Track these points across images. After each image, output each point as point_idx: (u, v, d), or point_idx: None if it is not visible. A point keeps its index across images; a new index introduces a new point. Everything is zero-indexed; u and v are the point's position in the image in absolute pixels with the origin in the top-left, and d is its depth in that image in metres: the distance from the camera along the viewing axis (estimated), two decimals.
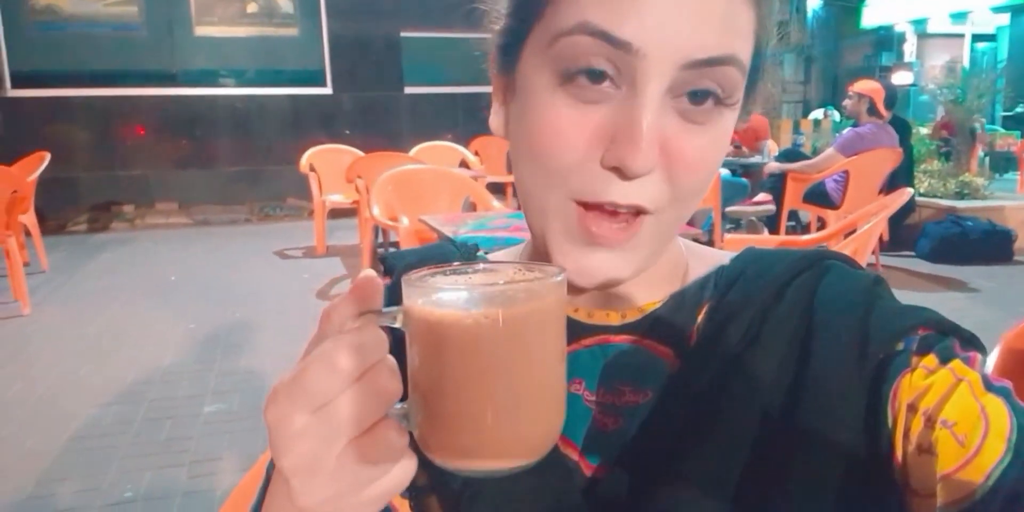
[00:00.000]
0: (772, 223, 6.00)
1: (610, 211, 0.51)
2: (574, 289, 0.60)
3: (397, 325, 0.41)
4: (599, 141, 0.49)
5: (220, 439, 2.91)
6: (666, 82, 0.48)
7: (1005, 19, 11.55)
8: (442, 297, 0.40)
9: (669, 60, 0.47)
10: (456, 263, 0.44)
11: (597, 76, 0.49)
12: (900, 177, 5.53)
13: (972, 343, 0.52)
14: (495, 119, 0.60)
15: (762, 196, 5.93)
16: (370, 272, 0.41)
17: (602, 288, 0.54)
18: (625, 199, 0.50)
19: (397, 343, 0.40)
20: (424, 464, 0.43)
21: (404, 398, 0.41)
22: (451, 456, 0.41)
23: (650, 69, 0.48)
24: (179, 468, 2.68)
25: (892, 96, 5.55)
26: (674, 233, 0.57)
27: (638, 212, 0.51)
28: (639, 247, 0.53)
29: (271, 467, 0.48)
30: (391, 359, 0.40)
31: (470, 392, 0.40)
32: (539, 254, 0.60)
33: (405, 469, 0.41)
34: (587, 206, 0.51)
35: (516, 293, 0.40)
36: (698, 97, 0.50)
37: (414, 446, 0.42)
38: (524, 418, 0.41)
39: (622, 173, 0.49)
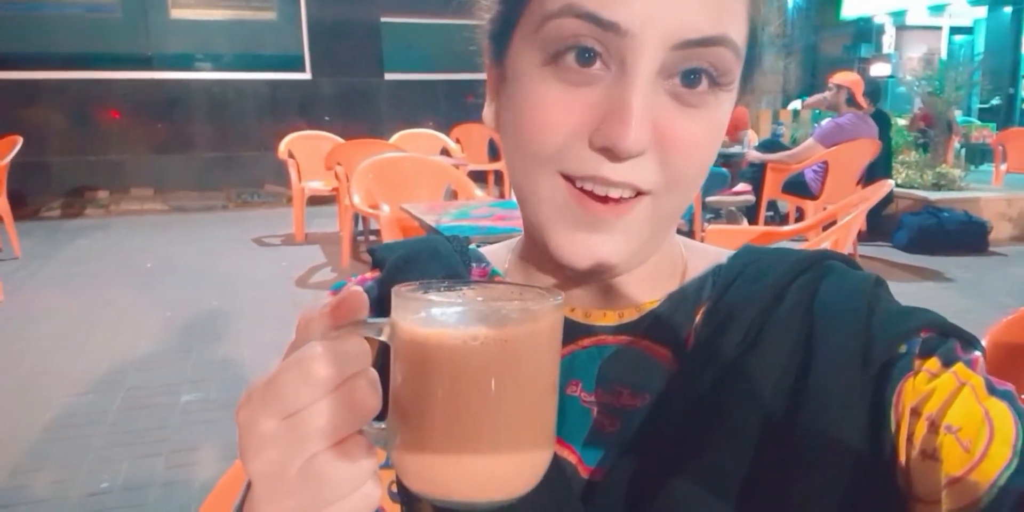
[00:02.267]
0: (751, 213, 6.03)
1: (602, 197, 0.50)
2: (570, 283, 0.59)
3: (383, 338, 0.39)
4: (588, 122, 0.48)
5: (198, 429, 2.88)
6: (657, 63, 0.47)
7: (982, 12, 11.64)
8: (432, 314, 0.37)
9: (659, 41, 0.46)
10: (452, 280, 0.42)
11: (586, 57, 0.48)
12: (878, 168, 5.60)
13: (972, 344, 0.51)
14: (487, 111, 0.59)
15: (742, 186, 5.96)
16: (357, 289, 0.39)
17: (595, 272, 0.53)
18: (617, 175, 0.48)
19: (384, 357, 0.38)
20: None
21: (384, 417, 0.39)
22: (426, 485, 0.38)
23: (640, 50, 0.47)
24: (156, 458, 2.65)
25: (875, 89, 5.59)
26: (672, 222, 0.56)
27: (634, 193, 0.50)
28: (633, 228, 0.51)
29: None
30: (372, 372, 0.38)
31: (452, 419, 0.37)
32: (533, 244, 0.59)
33: (368, 497, 0.39)
34: (578, 186, 0.50)
35: (510, 314, 0.37)
36: (691, 78, 0.49)
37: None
38: (508, 451, 0.38)
39: (612, 154, 0.48)
